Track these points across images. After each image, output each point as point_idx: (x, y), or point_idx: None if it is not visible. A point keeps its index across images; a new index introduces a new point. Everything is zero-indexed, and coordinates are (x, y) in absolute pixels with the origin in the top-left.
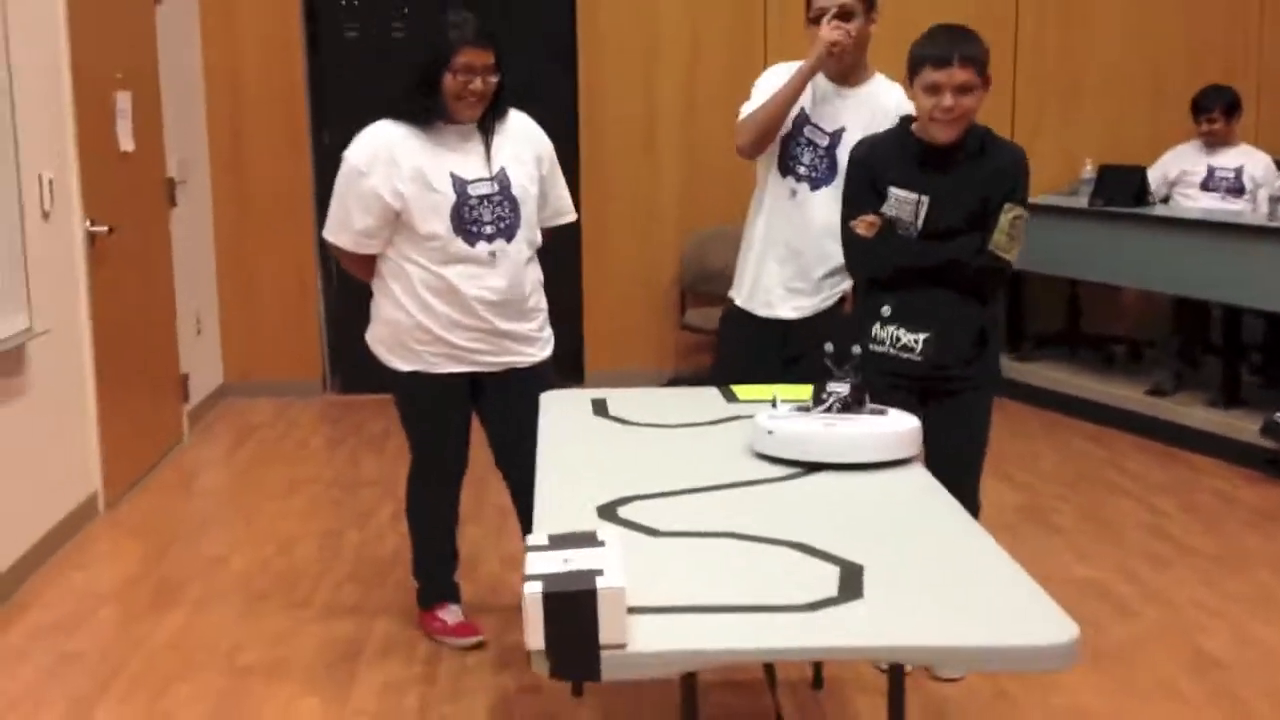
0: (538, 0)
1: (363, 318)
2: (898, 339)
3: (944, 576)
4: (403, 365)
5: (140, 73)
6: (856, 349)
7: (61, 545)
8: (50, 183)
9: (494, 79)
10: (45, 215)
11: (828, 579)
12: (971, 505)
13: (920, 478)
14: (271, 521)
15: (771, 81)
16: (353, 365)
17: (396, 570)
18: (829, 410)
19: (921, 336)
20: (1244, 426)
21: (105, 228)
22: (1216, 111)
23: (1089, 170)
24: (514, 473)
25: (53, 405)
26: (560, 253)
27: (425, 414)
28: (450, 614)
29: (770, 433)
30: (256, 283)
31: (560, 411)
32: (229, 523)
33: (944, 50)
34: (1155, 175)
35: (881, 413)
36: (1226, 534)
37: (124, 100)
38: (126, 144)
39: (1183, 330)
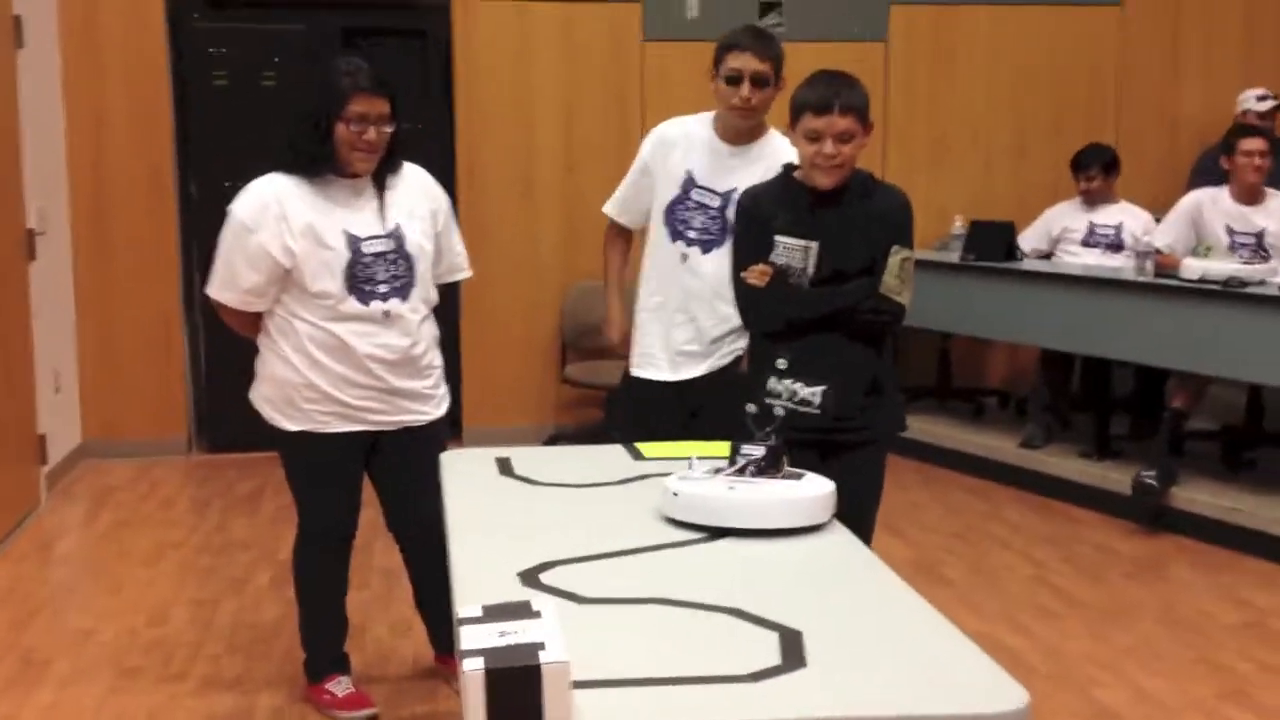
0: (415, 52)
1: (230, 374)
2: (794, 393)
3: (885, 641)
4: (290, 425)
5: (0, 120)
6: (780, 411)
7: None
8: None
9: (388, 129)
10: None
11: (768, 646)
12: None
13: (841, 538)
14: (140, 590)
15: (656, 149)
16: (219, 423)
17: (279, 640)
18: (742, 473)
19: (819, 389)
20: (1117, 478)
21: None
22: (1095, 169)
23: (959, 226)
24: (407, 535)
25: None
26: (440, 307)
27: (315, 476)
28: (340, 686)
29: (675, 495)
30: (118, 338)
31: (464, 471)
32: (95, 591)
33: (824, 97)
34: (1038, 231)
35: (797, 476)
36: (1109, 585)
37: None
38: None
39: (1050, 385)
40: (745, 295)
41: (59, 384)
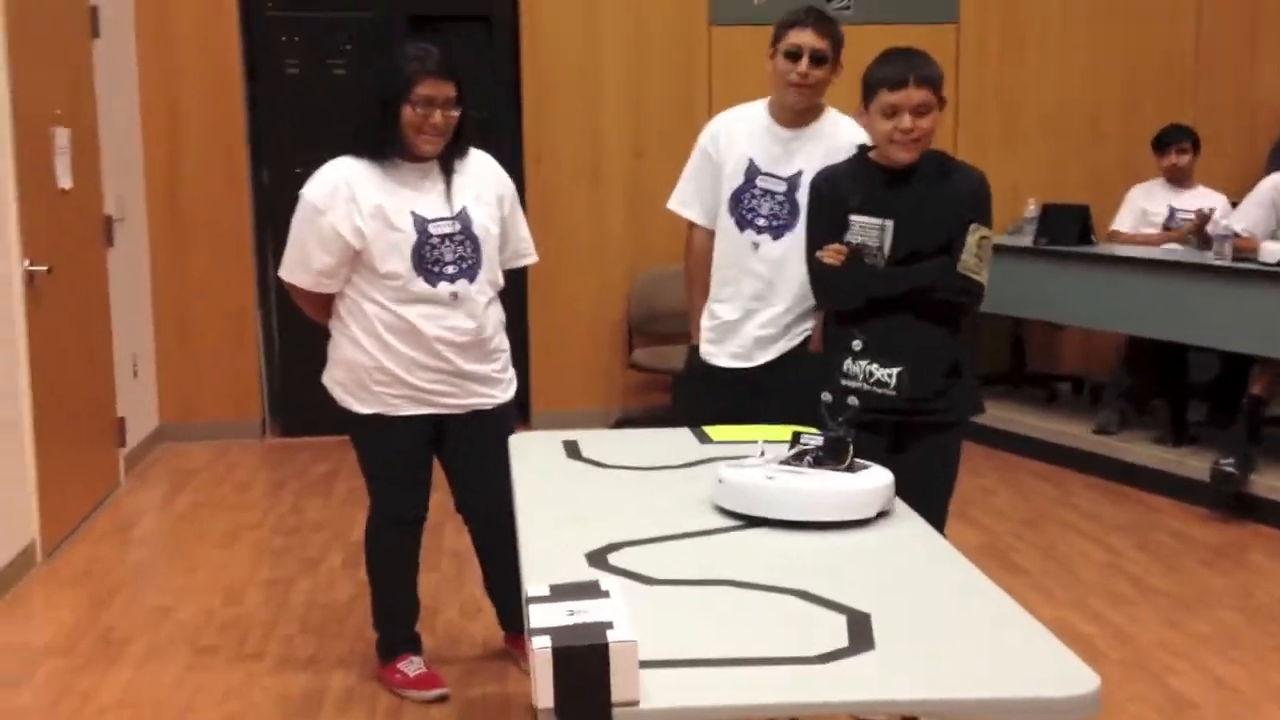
0: (482, 38)
1: (303, 358)
2: (870, 374)
3: (953, 625)
4: (362, 408)
5: (78, 108)
6: (854, 400)
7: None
8: None
9: (455, 113)
10: None
11: (836, 629)
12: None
13: (911, 522)
14: (215, 570)
15: (716, 140)
16: (293, 407)
17: (352, 619)
18: (799, 461)
19: (895, 370)
20: (1194, 465)
21: (44, 267)
22: (1185, 143)
23: (1032, 209)
24: (477, 517)
25: None
26: (507, 292)
27: (386, 458)
28: (412, 666)
29: (720, 482)
30: (194, 323)
31: (533, 455)
32: (171, 571)
33: (899, 71)
34: (1133, 213)
35: (859, 467)
36: (1185, 573)
37: (62, 137)
38: (65, 181)
39: (1133, 372)
40: (820, 275)
41: (136, 368)
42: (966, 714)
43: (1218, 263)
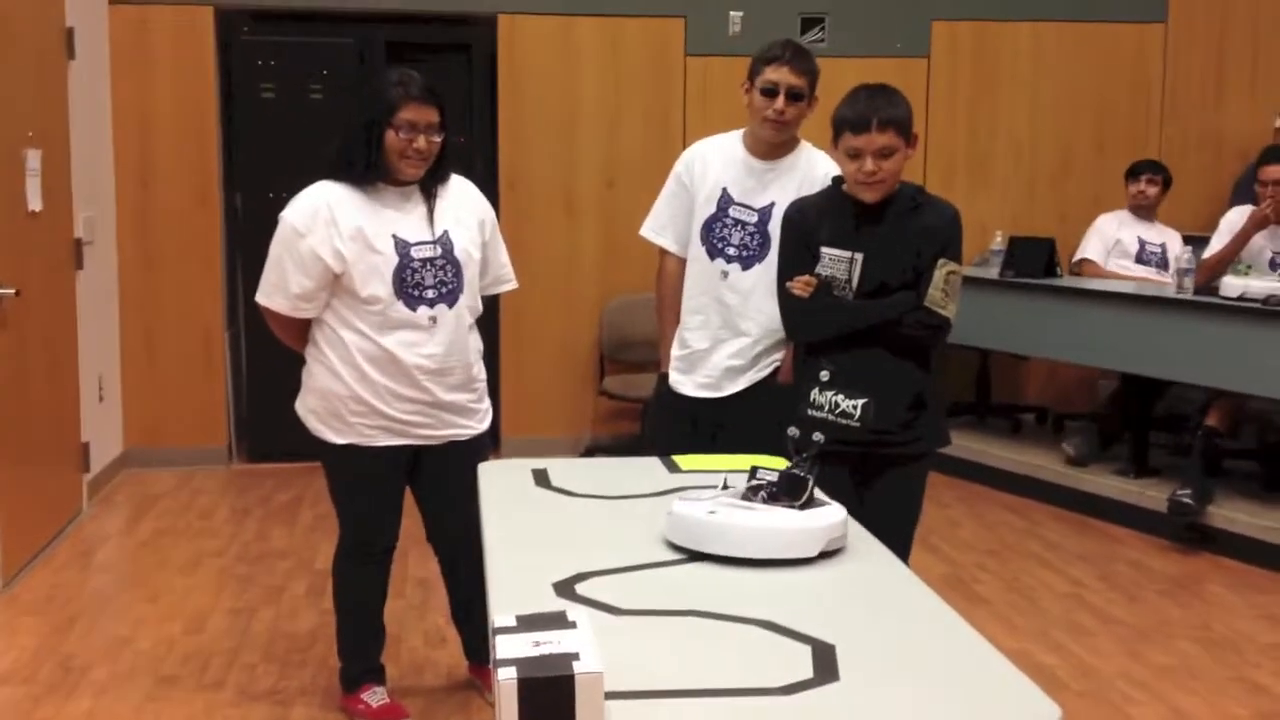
0: (460, 66)
1: (271, 384)
2: (836, 405)
3: (917, 656)
4: (336, 438)
5: (51, 130)
6: (819, 436)
7: None
8: None
9: (437, 138)
10: None
11: (801, 660)
12: None
13: (878, 554)
14: (178, 598)
15: (690, 168)
16: (260, 434)
17: (315, 649)
18: (754, 496)
19: (860, 402)
20: (1156, 496)
21: (12, 290)
22: (1158, 175)
23: (999, 241)
24: (447, 547)
25: None
26: (480, 318)
27: (359, 489)
28: (375, 696)
29: (669, 514)
30: (161, 347)
31: (502, 483)
32: (133, 599)
33: (862, 114)
34: (1104, 241)
35: (811, 505)
36: (1145, 604)
37: (34, 159)
38: (35, 203)
39: (1119, 410)
40: (789, 306)
41: (103, 392)
42: None
43: (1180, 296)
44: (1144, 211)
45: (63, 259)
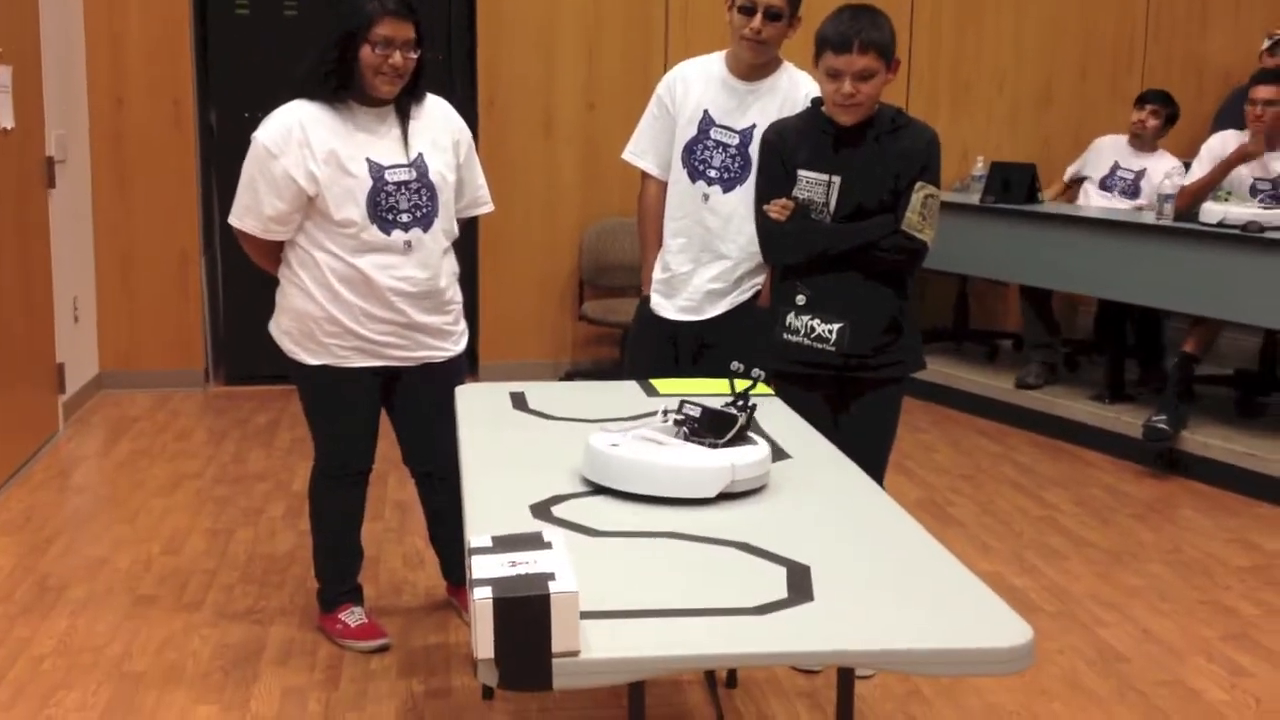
0: None
1: (247, 306)
2: (812, 329)
3: (891, 577)
4: (310, 359)
5: (21, 46)
6: (758, 372)
7: None
8: None
9: (414, 55)
10: None
11: (776, 580)
12: None
13: (853, 476)
14: (156, 519)
15: (672, 89)
16: (236, 356)
17: (293, 570)
18: (675, 432)
19: (836, 326)
20: (1129, 421)
21: None
22: (1159, 105)
23: (980, 167)
24: (424, 470)
25: None
26: (459, 241)
27: (333, 410)
28: (353, 616)
29: (586, 446)
30: (137, 269)
31: (480, 406)
32: (111, 520)
33: (843, 34)
34: (1077, 164)
35: (747, 442)
36: (1118, 527)
37: (4, 74)
38: (6, 121)
39: (1036, 318)
40: (765, 229)
41: (78, 313)
42: (901, 665)
43: (1159, 222)
44: (1138, 141)
45: (34, 178)
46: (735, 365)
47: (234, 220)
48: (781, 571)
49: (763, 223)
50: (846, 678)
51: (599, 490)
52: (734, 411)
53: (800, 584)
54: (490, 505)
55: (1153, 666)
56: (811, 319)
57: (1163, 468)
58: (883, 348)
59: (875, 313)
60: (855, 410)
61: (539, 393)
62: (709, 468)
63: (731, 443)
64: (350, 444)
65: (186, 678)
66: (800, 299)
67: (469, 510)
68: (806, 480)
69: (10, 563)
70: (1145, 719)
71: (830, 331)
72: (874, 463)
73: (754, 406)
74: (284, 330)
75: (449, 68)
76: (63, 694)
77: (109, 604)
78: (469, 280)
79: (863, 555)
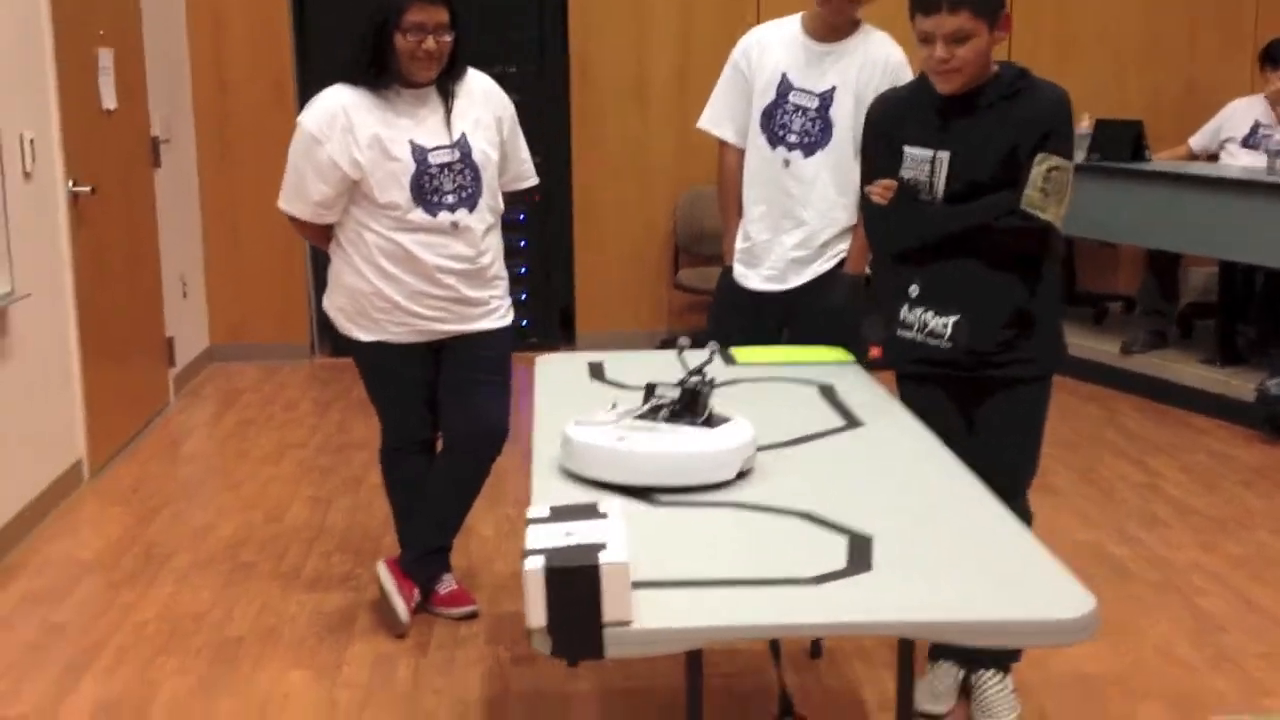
0: None
1: None
2: (925, 324)
3: (955, 547)
4: (364, 335)
5: (123, 29)
6: (713, 344)
7: (46, 513)
8: (31, 142)
9: (448, 38)
10: (27, 175)
11: (835, 550)
12: (1019, 513)
13: (926, 441)
14: (260, 487)
15: (748, 54)
16: None
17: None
18: (654, 417)
19: (950, 320)
20: (1240, 385)
21: (88, 188)
22: None
23: (1085, 125)
24: (449, 438)
25: (36, 370)
26: (553, 212)
27: (389, 384)
28: (442, 584)
29: (568, 442)
30: (243, 244)
31: (557, 375)
32: (216, 489)
33: None
34: (1208, 131)
35: (713, 422)
36: (1224, 494)
37: (106, 57)
38: (109, 102)
39: (1158, 287)
40: (868, 214)
41: (186, 289)
42: (956, 635)
43: (1271, 179)
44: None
45: (140, 157)
46: (682, 341)
47: (282, 204)
48: (843, 541)
49: (865, 207)
50: (906, 648)
51: None
52: (701, 389)
53: (860, 554)
54: (554, 475)
55: (1252, 637)
56: (925, 312)
57: (1275, 433)
58: (1008, 344)
59: (997, 304)
60: (986, 413)
61: (616, 363)
62: (729, 448)
63: (709, 421)
64: (407, 416)
65: (283, 643)
66: (914, 290)
67: (535, 480)
68: (877, 448)
69: (118, 531)
70: (1240, 690)
71: (945, 326)
72: (1011, 470)
73: (712, 380)
74: (338, 307)
75: (540, 40)
76: (163, 659)
77: (211, 571)
78: (564, 251)
79: (928, 525)
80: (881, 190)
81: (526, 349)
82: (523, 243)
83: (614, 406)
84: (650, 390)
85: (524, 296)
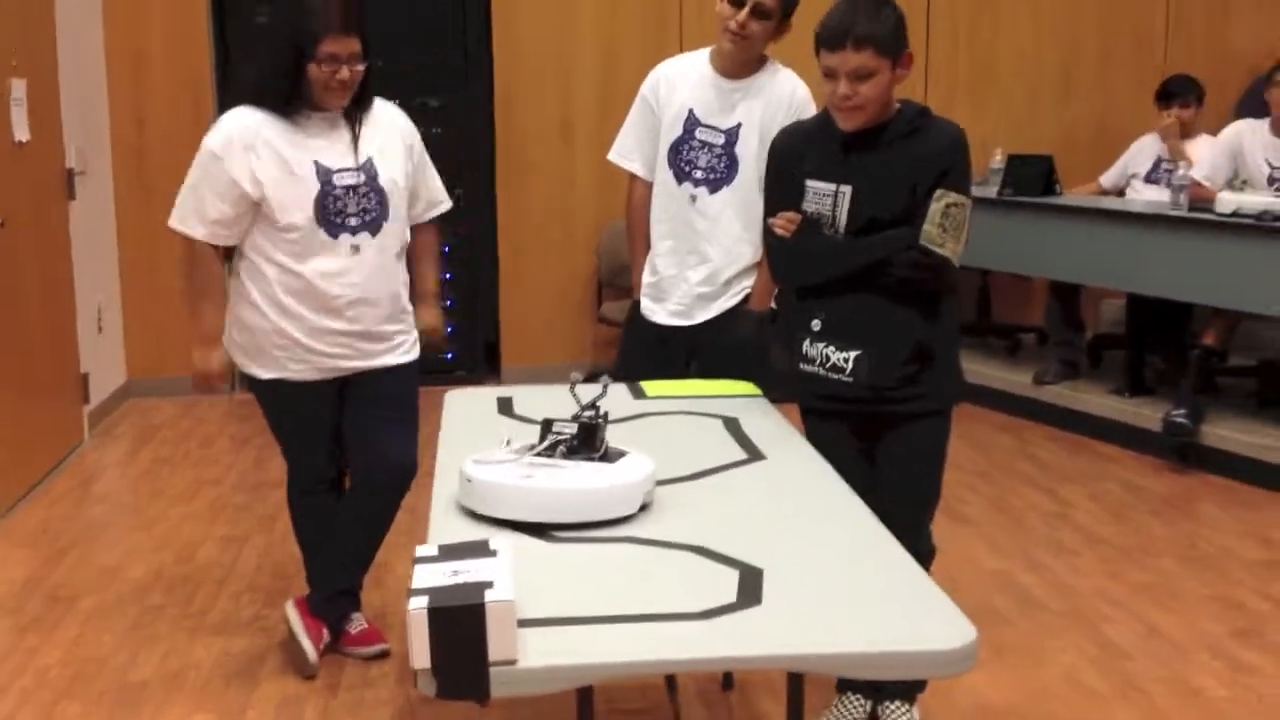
0: None
1: None
2: (827, 358)
3: (844, 579)
4: (263, 373)
5: (37, 59)
6: (605, 379)
7: None
8: None
9: (360, 67)
10: None
11: (727, 584)
12: (922, 546)
13: (819, 471)
14: (172, 527)
15: (657, 88)
16: None
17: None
18: (552, 452)
19: (852, 354)
20: (1149, 415)
21: None
22: (1190, 99)
23: (998, 160)
24: (357, 476)
25: None
26: (478, 245)
27: (290, 422)
28: (352, 623)
29: (469, 481)
30: (161, 277)
31: (464, 410)
32: (127, 529)
33: (835, 30)
34: (1116, 170)
35: (610, 457)
36: (1132, 523)
37: (19, 88)
38: (21, 134)
39: (1061, 316)
40: (772, 247)
41: (102, 323)
42: (843, 668)
43: (1173, 213)
44: (1185, 134)
45: (53, 189)
46: (574, 376)
47: (175, 223)
48: (734, 575)
49: (768, 240)
50: (796, 681)
51: None
52: (596, 422)
53: (751, 587)
54: (451, 512)
55: (1156, 664)
56: (827, 346)
57: (1182, 462)
58: (909, 379)
59: (897, 339)
60: (887, 446)
61: (526, 397)
62: (631, 483)
63: (605, 457)
64: (311, 455)
65: (188, 687)
66: (815, 324)
67: (432, 517)
68: (777, 481)
69: (23, 574)
70: (1145, 717)
71: (846, 360)
72: (913, 503)
73: (606, 415)
74: (236, 344)
75: (464, 71)
76: (66, 703)
77: (118, 614)
78: (489, 284)
79: (820, 558)
80: (785, 223)
81: (451, 382)
82: (448, 275)
83: (508, 443)
84: (547, 426)
85: (449, 330)
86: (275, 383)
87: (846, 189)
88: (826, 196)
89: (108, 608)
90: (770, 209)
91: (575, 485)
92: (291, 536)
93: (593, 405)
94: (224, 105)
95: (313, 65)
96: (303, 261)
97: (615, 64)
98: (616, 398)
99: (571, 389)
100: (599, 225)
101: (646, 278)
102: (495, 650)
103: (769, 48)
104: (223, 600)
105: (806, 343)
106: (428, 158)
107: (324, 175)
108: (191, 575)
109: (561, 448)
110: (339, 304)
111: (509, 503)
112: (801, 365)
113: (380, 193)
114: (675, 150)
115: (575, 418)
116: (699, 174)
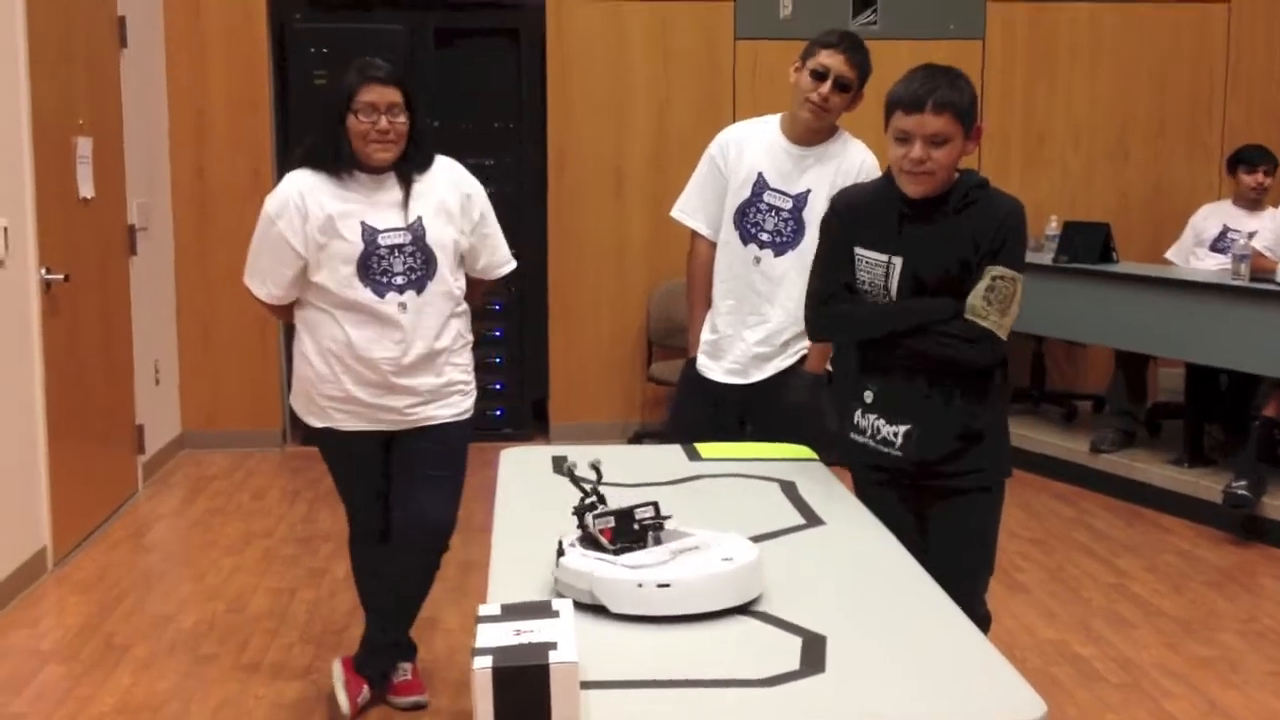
0: (509, 51)
1: None
2: (877, 430)
3: (909, 649)
4: (315, 421)
5: (103, 118)
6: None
7: (8, 602)
8: (4, 230)
9: (401, 119)
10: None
11: (789, 651)
12: (976, 614)
13: (879, 538)
14: (224, 577)
15: (726, 151)
16: None
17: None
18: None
19: (901, 429)
20: (1209, 485)
21: (61, 275)
22: (1267, 166)
23: (1054, 226)
24: (402, 533)
25: (1, 458)
26: (529, 302)
27: (343, 472)
28: (398, 673)
29: (595, 580)
30: (217, 332)
31: (519, 469)
32: (180, 578)
33: (916, 94)
34: (1184, 243)
35: (678, 536)
36: (1191, 595)
37: (85, 146)
38: (86, 190)
39: (1127, 387)
40: (816, 310)
41: (159, 376)
42: None
43: (1234, 283)
44: (1246, 203)
45: (116, 245)
46: (569, 464)
47: (246, 279)
48: (797, 641)
49: (810, 298)
50: None
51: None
52: (629, 514)
53: (814, 655)
54: (511, 572)
55: None
56: (878, 419)
57: (1243, 534)
58: (954, 455)
59: (946, 417)
60: (937, 519)
61: (581, 457)
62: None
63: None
64: (364, 505)
65: None
66: (868, 395)
67: (493, 576)
68: (837, 548)
69: (79, 622)
70: None
71: (895, 435)
72: (964, 576)
73: (658, 508)
74: (295, 393)
75: (519, 131)
76: None
77: (171, 662)
78: (539, 341)
79: (883, 625)
80: None
81: (500, 440)
82: (498, 332)
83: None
84: (581, 516)
85: (498, 386)
86: (325, 432)
87: (898, 260)
88: (879, 267)
89: (161, 656)
90: (822, 269)
91: (705, 573)
92: (343, 589)
93: (591, 494)
94: (283, 166)
95: (352, 117)
96: (349, 317)
97: (668, 122)
98: (670, 458)
99: (568, 473)
100: (650, 285)
101: (706, 335)
102: (559, 712)
103: (839, 117)
104: (274, 651)
105: (859, 414)
106: (493, 218)
107: (369, 235)
108: (243, 625)
109: (620, 541)
110: (383, 359)
111: (626, 599)
112: (852, 435)
113: (427, 252)
114: (742, 212)
115: (615, 511)
116: (765, 236)
